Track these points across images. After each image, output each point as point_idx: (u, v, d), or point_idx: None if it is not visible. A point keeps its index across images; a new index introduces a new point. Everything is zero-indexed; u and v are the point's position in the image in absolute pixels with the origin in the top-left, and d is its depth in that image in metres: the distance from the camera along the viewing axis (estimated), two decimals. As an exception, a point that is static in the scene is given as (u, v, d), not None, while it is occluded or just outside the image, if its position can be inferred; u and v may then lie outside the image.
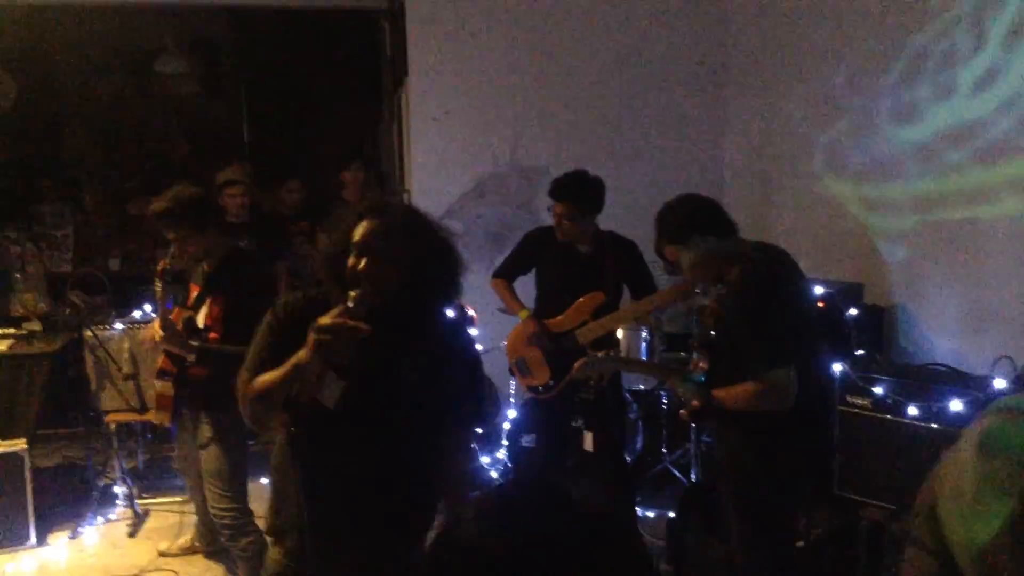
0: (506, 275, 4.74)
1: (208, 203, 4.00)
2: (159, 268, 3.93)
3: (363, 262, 2.27)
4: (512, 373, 4.83)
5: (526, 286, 4.80)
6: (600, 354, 3.45)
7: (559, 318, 4.48)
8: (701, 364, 3.15)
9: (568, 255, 4.48)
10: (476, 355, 2.63)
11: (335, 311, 2.19)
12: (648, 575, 1.01)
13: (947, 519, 1.03)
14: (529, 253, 4.69)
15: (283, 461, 2.49)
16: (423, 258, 2.33)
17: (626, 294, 4.66)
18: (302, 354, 2.21)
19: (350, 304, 2.20)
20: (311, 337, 2.17)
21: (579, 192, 4.35)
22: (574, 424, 4.62)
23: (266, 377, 2.34)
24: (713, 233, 3.09)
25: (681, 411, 3.17)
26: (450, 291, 2.46)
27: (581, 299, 4.41)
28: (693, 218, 3.12)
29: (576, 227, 4.37)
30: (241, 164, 7.15)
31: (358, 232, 2.32)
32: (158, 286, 3.91)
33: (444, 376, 2.41)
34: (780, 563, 3.21)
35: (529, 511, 1.01)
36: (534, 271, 4.75)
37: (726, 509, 3.32)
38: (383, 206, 2.40)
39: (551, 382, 4.52)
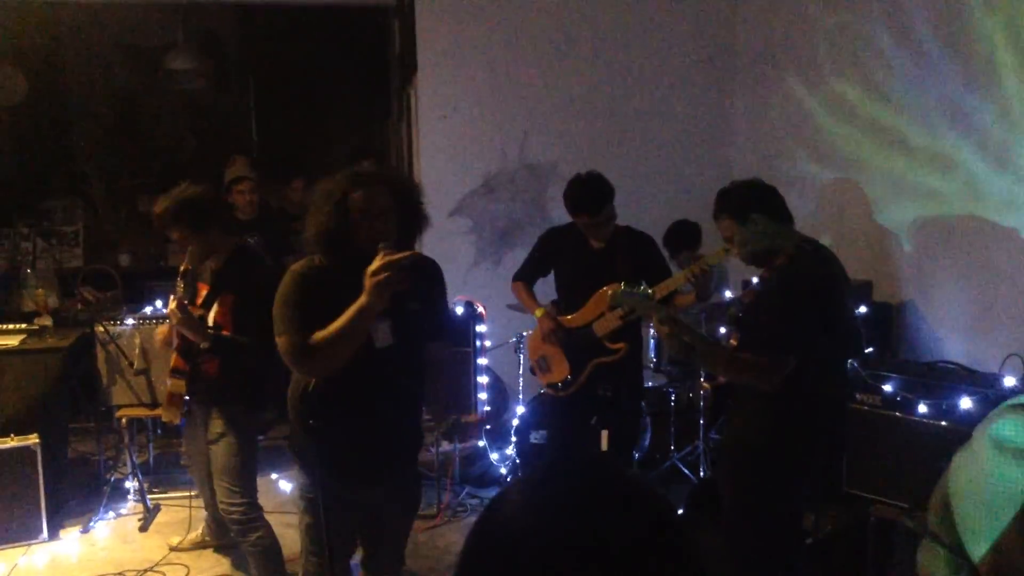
0: (526, 278, 4.78)
1: (210, 202, 4.00)
2: (181, 269, 3.95)
3: (377, 224, 2.76)
4: (533, 373, 4.86)
5: (550, 285, 4.82)
6: (638, 289, 3.43)
7: (577, 313, 4.53)
8: (732, 341, 3.29)
9: (582, 251, 4.52)
10: (439, 270, 3.14)
11: (379, 258, 2.64)
12: (698, 561, 0.97)
13: (960, 512, 1.04)
14: (545, 254, 4.73)
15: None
16: (406, 206, 2.89)
17: None
18: (363, 300, 2.66)
19: (386, 249, 2.66)
20: (370, 282, 2.63)
21: (600, 201, 4.37)
22: (592, 423, 4.65)
23: (330, 329, 2.72)
24: (770, 216, 3.17)
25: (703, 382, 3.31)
26: (421, 226, 3.02)
27: (597, 292, 4.44)
28: (756, 199, 3.21)
29: (606, 227, 4.44)
30: (245, 158, 7.16)
31: (357, 202, 2.78)
32: (180, 287, 3.92)
33: (432, 298, 3.03)
34: (767, 550, 3.24)
35: (576, 488, 0.96)
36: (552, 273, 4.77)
37: (720, 488, 3.38)
38: (368, 175, 2.90)
39: (569, 377, 4.57)
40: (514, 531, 0.92)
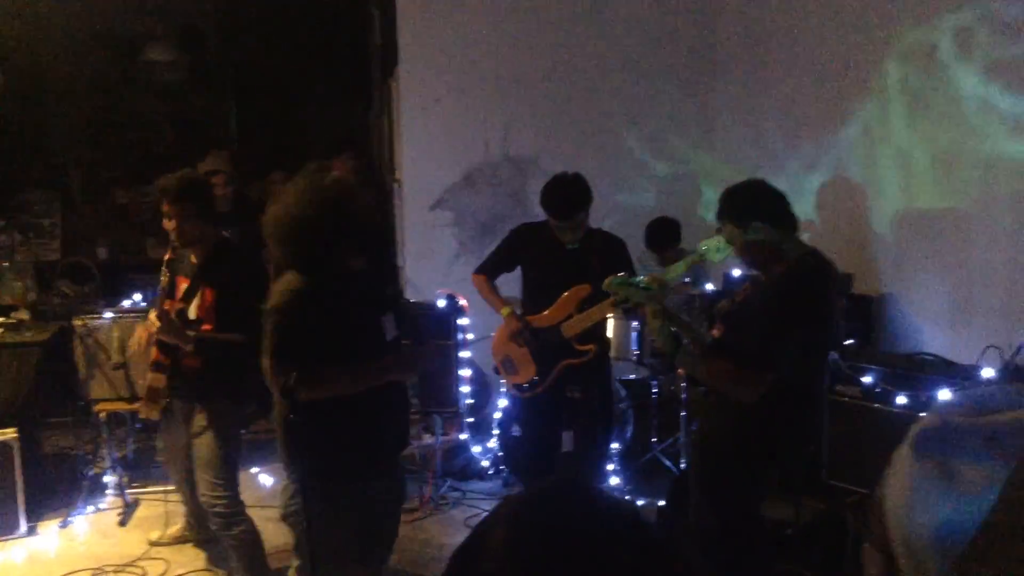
0: (489, 272, 4.69)
1: (211, 190, 4.02)
2: (166, 258, 3.91)
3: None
4: (497, 372, 4.80)
5: (514, 280, 4.79)
6: (635, 279, 3.45)
7: (545, 313, 4.45)
8: (714, 332, 3.26)
9: (554, 250, 4.45)
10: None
11: None
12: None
13: (889, 517, 1.04)
14: (514, 250, 4.65)
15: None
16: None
17: None
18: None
19: None
20: None
21: (572, 207, 4.34)
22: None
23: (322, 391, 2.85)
24: (773, 224, 3.15)
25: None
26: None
27: (566, 293, 4.39)
28: (759, 205, 3.18)
29: (575, 231, 4.40)
30: (220, 152, 7.11)
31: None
32: (164, 276, 3.88)
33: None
34: (733, 540, 3.27)
35: (563, 514, 0.94)
36: (519, 269, 4.72)
37: (691, 480, 3.40)
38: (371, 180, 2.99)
39: (536, 378, 4.51)
40: (497, 569, 0.90)
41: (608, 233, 4.55)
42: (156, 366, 3.87)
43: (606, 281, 3.43)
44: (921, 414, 1.10)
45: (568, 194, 4.33)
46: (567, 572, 0.87)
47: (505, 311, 4.56)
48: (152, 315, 3.75)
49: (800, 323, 3.06)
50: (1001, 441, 0.95)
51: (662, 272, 4.39)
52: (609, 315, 4.58)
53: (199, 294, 3.82)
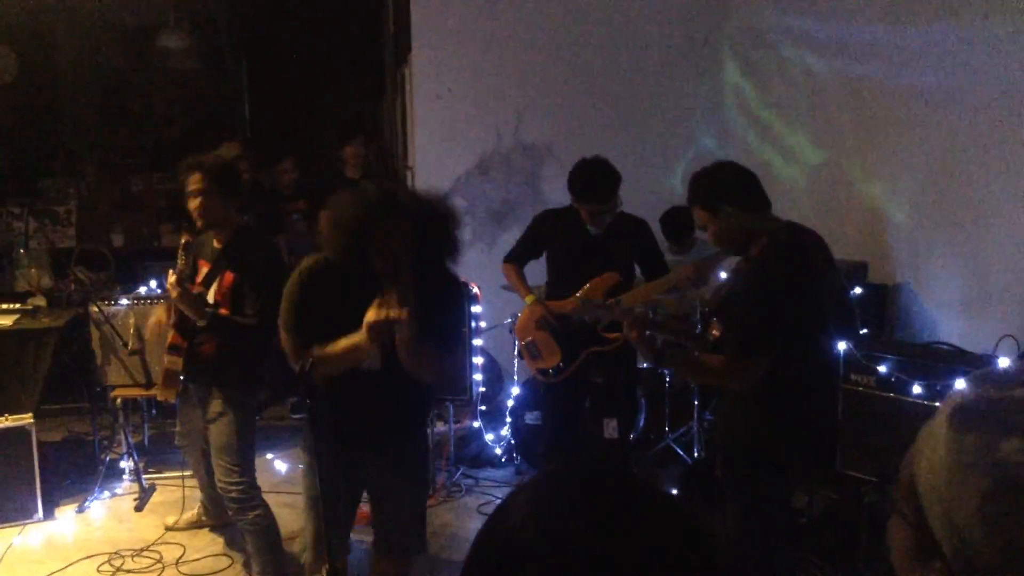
0: (517, 260, 4.68)
1: (240, 174, 4.03)
2: (183, 241, 3.91)
3: (400, 275, 2.76)
4: (522, 357, 4.80)
5: (539, 267, 4.79)
6: (596, 301, 3.43)
7: (572, 298, 4.43)
8: (714, 331, 3.19)
9: (579, 237, 4.42)
10: (458, 291, 3.11)
11: (377, 309, 2.68)
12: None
13: (924, 493, 1.03)
14: (539, 237, 4.63)
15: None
16: (429, 234, 2.83)
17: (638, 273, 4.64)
18: (358, 339, 2.72)
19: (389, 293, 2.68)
20: (367, 328, 2.67)
21: (612, 188, 4.29)
22: (586, 406, 4.62)
23: (325, 351, 2.80)
24: (745, 206, 3.08)
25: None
26: (450, 253, 2.96)
27: (594, 280, 4.37)
28: (727, 188, 3.11)
29: (611, 214, 4.35)
30: (238, 141, 7.13)
31: (377, 235, 2.72)
32: (181, 259, 3.89)
33: (434, 309, 2.86)
34: (771, 540, 3.24)
35: (596, 501, 0.89)
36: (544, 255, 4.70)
37: (722, 484, 3.36)
38: (389, 204, 2.78)
39: (561, 364, 4.50)
40: (522, 545, 0.87)
41: (631, 216, 4.53)
42: (172, 348, 3.89)
43: (574, 305, 3.41)
44: (953, 390, 1.09)
45: (603, 176, 4.29)
46: (595, 555, 0.84)
47: (530, 298, 4.56)
48: (172, 278, 3.74)
49: (782, 298, 2.97)
50: None
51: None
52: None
53: (218, 279, 3.83)
